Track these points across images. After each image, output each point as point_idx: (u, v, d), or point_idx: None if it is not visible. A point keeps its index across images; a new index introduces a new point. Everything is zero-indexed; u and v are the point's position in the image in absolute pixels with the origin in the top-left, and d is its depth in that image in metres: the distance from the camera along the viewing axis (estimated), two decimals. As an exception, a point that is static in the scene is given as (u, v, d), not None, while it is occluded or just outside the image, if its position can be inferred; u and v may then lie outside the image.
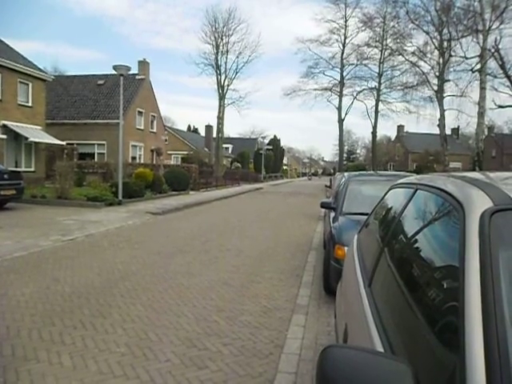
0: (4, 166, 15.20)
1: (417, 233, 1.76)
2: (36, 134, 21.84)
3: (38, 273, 6.38)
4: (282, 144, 68.32)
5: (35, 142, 21.79)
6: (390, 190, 2.97)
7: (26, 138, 20.90)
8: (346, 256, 3.90)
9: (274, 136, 66.60)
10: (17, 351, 3.70)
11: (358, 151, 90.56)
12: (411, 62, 33.35)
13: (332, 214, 6.78)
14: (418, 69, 32.68)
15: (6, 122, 20.29)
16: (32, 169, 21.85)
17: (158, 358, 3.72)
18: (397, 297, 1.60)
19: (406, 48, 34.00)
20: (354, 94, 45.68)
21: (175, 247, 8.73)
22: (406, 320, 1.40)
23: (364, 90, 44.91)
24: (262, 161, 50.85)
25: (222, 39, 40.36)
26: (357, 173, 9.01)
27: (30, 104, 22.28)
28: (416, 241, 1.73)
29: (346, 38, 44.14)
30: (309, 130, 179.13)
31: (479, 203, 1.22)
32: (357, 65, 44.25)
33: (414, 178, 2.40)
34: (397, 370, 0.96)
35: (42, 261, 7.16)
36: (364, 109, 64.62)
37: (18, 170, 17.35)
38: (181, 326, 4.49)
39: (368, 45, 40.95)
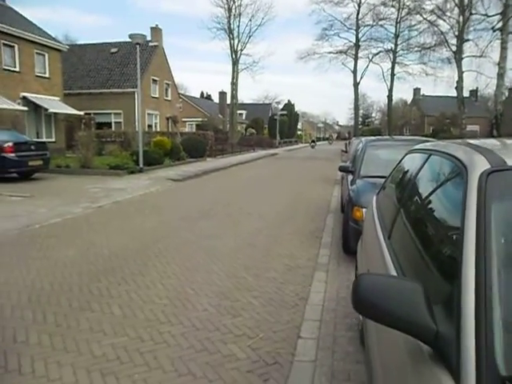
0: (29, 138, 15.70)
1: (429, 191, 2.09)
2: (55, 104, 22.24)
3: (76, 237, 6.88)
4: (296, 109, 67.72)
5: (54, 113, 22.25)
6: (406, 155, 3.26)
7: (46, 109, 21.35)
8: (365, 216, 4.25)
9: (288, 101, 65.95)
10: (73, 303, 4.19)
11: (374, 115, 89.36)
12: (429, 21, 32.54)
13: (350, 178, 7.09)
14: (436, 28, 31.95)
15: (25, 94, 20.69)
16: (53, 139, 22.38)
17: (196, 308, 4.18)
18: (411, 243, 1.95)
19: (424, 6, 33.10)
20: (370, 57, 44.88)
21: (199, 212, 9.17)
22: (418, 259, 1.75)
23: (380, 52, 44.06)
24: (277, 126, 50.70)
25: (234, 2, 39.65)
26: (374, 138, 9.22)
27: (47, 75, 22.59)
28: (428, 197, 2.06)
29: (361, -3, 42.91)
30: (323, 94, 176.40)
31: (479, 166, 1.54)
32: (372, 26, 43.25)
33: (428, 145, 2.69)
34: (412, 287, 1.30)
35: (77, 226, 7.67)
36: (380, 72, 63.23)
37: (42, 140, 17.84)
38: (213, 281, 4.93)
39: (384, 4, 39.90)
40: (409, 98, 62.37)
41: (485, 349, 1.04)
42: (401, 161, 3.36)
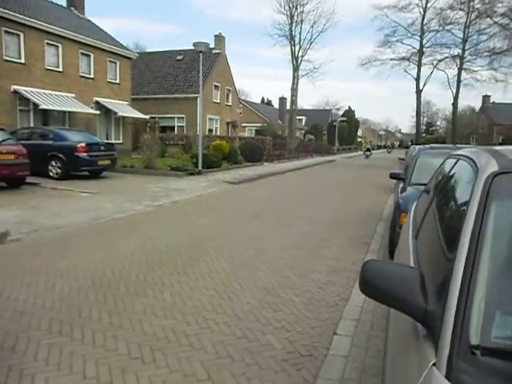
0: (100, 139, 16.91)
1: (449, 193, 2.23)
2: (123, 108, 23.67)
3: (136, 231, 7.44)
4: (356, 115, 66.79)
5: (123, 117, 23.69)
6: (445, 160, 3.36)
7: (115, 113, 22.81)
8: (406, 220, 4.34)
9: (349, 107, 65.26)
10: (130, 289, 4.63)
11: (438, 123, 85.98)
12: (501, 24, 30.98)
13: (401, 185, 7.10)
14: (508, 32, 30.33)
15: (98, 99, 22.23)
16: (120, 141, 23.81)
17: (240, 300, 4.46)
18: (428, 241, 2.10)
19: (495, 9, 31.59)
20: (434, 63, 43.49)
21: (251, 213, 9.50)
22: (431, 252, 1.92)
23: (446, 58, 42.59)
24: (336, 133, 50.34)
25: (296, 9, 39.90)
26: (427, 146, 9.09)
27: (117, 81, 24.10)
28: (446, 199, 2.21)
29: (427, 2, 41.71)
30: (385, 101, 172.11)
31: (489, 168, 1.68)
32: (438, 31, 41.92)
33: (458, 151, 2.81)
34: (410, 273, 1.49)
35: (138, 222, 8.27)
36: (444, 78, 60.90)
37: (111, 142, 19.09)
38: (258, 278, 5.20)
39: (452, 7, 38.57)
40: (477, 105, 59.55)
41: (461, 323, 1.22)
42: (440, 165, 3.46)
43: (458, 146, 12.15)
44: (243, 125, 44.45)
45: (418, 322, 1.43)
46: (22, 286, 4.62)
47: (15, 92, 17.87)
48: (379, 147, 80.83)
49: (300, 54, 40.55)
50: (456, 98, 41.73)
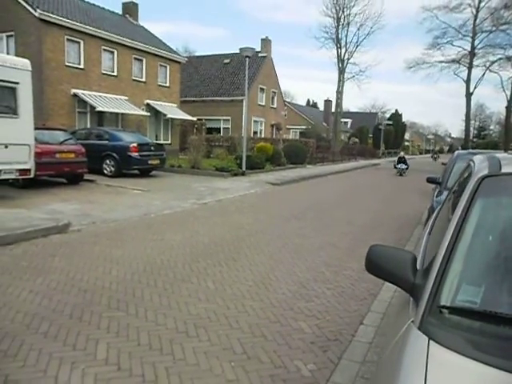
0: (150, 140, 17.85)
1: (456, 191, 2.54)
2: (172, 111, 24.69)
3: (183, 226, 8.02)
4: (403, 119, 65.43)
5: (171, 118, 24.71)
6: (467, 163, 3.63)
7: (165, 115, 23.85)
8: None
9: (396, 110, 64.03)
10: (177, 276, 5.15)
11: (492, 127, 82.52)
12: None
13: (438, 189, 7.25)
14: None
15: (149, 101, 23.35)
16: (169, 142, 24.86)
17: (276, 291, 4.87)
18: (435, 234, 2.43)
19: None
20: (487, 65, 41.93)
21: (291, 214, 9.88)
22: (433, 242, 2.25)
23: (499, 59, 40.96)
24: (381, 136, 49.64)
25: (343, 11, 39.83)
26: (465, 151, 9.13)
27: (167, 84, 25.16)
28: (453, 197, 2.52)
29: (480, 2, 40.37)
30: (434, 104, 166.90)
31: (481, 171, 2.01)
32: (492, 31, 40.40)
33: (475, 156, 3.09)
34: (404, 255, 1.85)
35: (184, 218, 8.86)
36: (498, 80, 58.52)
37: (160, 142, 20.04)
38: (294, 272, 5.59)
39: (507, 7, 37.07)
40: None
41: (435, 291, 1.58)
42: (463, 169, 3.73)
43: (510, 151, 12.00)
44: (288, 127, 44.82)
45: (407, 293, 1.80)
46: (84, 269, 5.25)
47: (74, 95, 19.17)
48: (427, 151, 78.47)
49: (346, 56, 40.47)
50: (510, 101, 40.15)
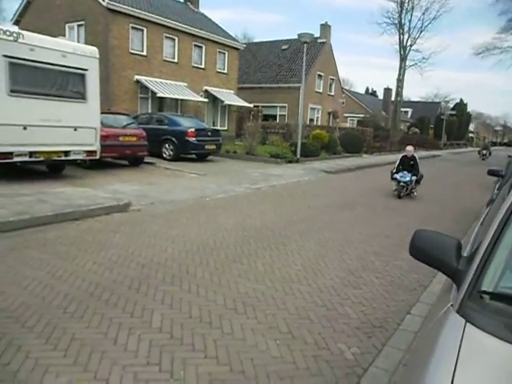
0: (207, 125, 18.28)
1: (509, 182, 2.49)
2: (229, 97, 25.02)
3: (236, 210, 8.24)
4: (468, 109, 62.06)
5: (229, 105, 25.05)
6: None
7: (222, 101, 24.23)
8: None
9: (460, 100, 60.91)
10: (228, 256, 5.36)
11: None
12: None
13: (500, 182, 6.94)
14: None
15: (207, 88, 23.81)
16: (225, 128, 25.26)
17: (324, 276, 4.94)
18: (485, 225, 2.40)
19: None
20: None
21: (344, 202, 9.82)
22: (481, 232, 2.24)
23: None
24: (443, 127, 47.46)
25: (407, -5, 38.18)
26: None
27: (225, 71, 25.49)
28: (506, 187, 2.47)
29: None
30: (504, 93, 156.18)
31: None
32: None
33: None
34: (449, 240, 1.87)
35: (237, 202, 9.08)
36: None
37: (217, 128, 20.44)
38: (343, 260, 5.62)
39: None
40: None
41: (477, 276, 1.60)
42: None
43: None
44: (345, 115, 43.99)
45: (449, 278, 1.82)
46: (142, 246, 5.58)
47: (137, 81, 19.95)
48: (494, 144, 73.84)
49: (409, 43, 38.87)
50: None
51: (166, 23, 20.86)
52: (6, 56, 8.23)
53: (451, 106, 63.72)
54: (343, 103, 40.53)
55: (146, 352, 3.07)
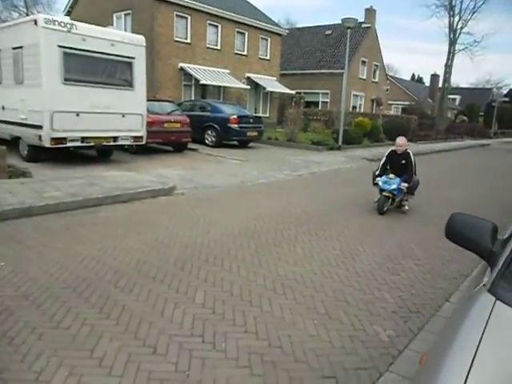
0: (249, 112, 18.43)
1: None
2: (271, 84, 25.01)
3: (276, 196, 8.37)
4: (524, 95, 58.71)
5: (271, 91, 25.05)
6: None
7: (264, 88, 24.27)
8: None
9: (515, 85, 57.67)
10: (268, 240, 5.51)
11: None
12: None
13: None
14: None
15: (249, 75, 23.90)
16: (267, 115, 25.32)
17: (362, 261, 5.00)
18: None
19: None
20: None
21: (385, 190, 9.72)
22: None
23: None
24: (494, 114, 45.30)
25: (459, -27, 36.47)
26: None
27: (267, 57, 25.44)
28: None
29: None
30: None
31: None
32: None
33: None
34: (484, 223, 1.93)
35: (278, 188, 9.21)
36: None
37: (259, 115, 20.56)
38: (383, 247, 5.63)
39: None
40: None
41: (510, 259, 1.66)
42: None
43: None
44: (389, 102, 42.91)
45: (484, 261, 1.88)
46: (186, 228, 5.83)
47: (181, 69, 20.32)
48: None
49: (459, 25, 37.11)
50: None
51: (209, 10, 21.04)
52: (60, 46, 8.68)
53: (504, 92, 60.60)
54: (387, 90, 39.51)
55: (189, 324, 3.28)
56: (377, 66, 35.47)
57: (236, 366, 2.84)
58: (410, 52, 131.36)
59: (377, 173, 7.67)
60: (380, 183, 7.43)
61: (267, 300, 3.80)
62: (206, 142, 15.62)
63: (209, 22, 21.42)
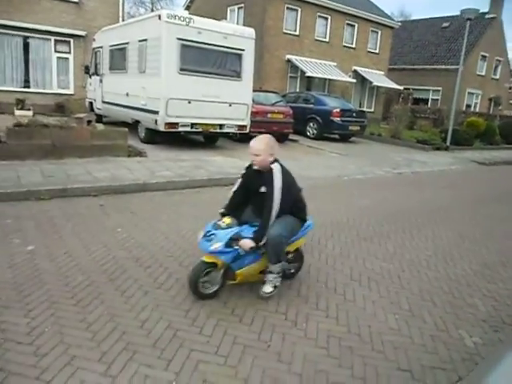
0: (353, 106, 18.19)
1: None
2: (379, 78, 24.28)
3: (373, 192, 8.29)
4: None
5: (377, 86, 24.35)
6: None
7: (371, 82, 23.67)
8: None
9: None
10: (360, 234, 5.56)
11: None
12: None
13: None
14: None
15: (356, 68, 23.47)
16: (371, 110, 24.72)
17: (455, 266, 4.83)
18: None
19: None
20: None
21: (492, 196, 9.08)
22: None
23: None
24: None
25: None
26: None
27: (376, 51, 24.71)
28: None
29: None
30: None
31: None
32: None
33: None
34: None
35: (375, 184, 9.09)
36: None
37: (363, 110, 20.17)
38: (480, 253, 5.36)
39: None
40: None
41: None
42: None
43: None
44: (511, 102, 39.10)
45: None
46: (280, 215, 6.09)
47: (288, 61, 20.65)
48: None
49: None
50: None
51: (319, 2, 21.01)
52: (179, 39, 9.43)
53: None
54: (510, 88, 36.01)
55: (275, 303, 3.53)
56: (499, 61, 32.50)
57: (315, 345, 3.02)
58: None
59: (221, 210, 3.81)
60: (200, 235, 3.55)
61: (351, 290, 3.91)
62: (308, 133, 15.78)
63: (319, 14, 21.40)
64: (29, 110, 13.85)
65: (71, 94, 16.37)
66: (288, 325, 3.23)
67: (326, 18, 21.86)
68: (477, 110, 30.26)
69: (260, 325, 3.18)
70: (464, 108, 28.38)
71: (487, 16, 30.27)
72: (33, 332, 2.82)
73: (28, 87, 16.03)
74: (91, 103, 14.30)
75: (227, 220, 3.53)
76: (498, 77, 32.88)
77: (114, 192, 6.43)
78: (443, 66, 29.45)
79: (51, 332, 2.84)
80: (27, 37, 15.66)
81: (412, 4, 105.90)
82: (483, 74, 31.16)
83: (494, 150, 18.83)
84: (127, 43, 11.10)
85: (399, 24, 26.84)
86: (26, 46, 15.86)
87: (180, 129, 9.99)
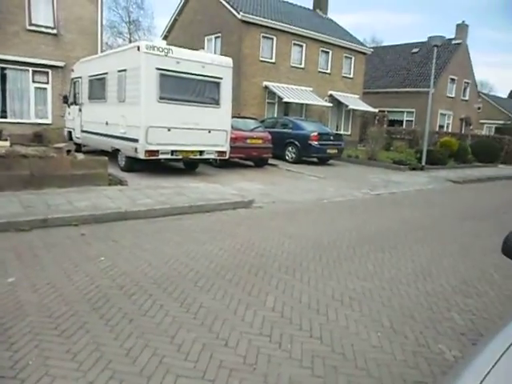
0: (330, 130, 18.60)
1: None
2: (354, 102, 24.95)
3: (352, 214, 8.46)
4: None
5: (353, 109, 25.00)
6: None
7: (346, 106, 24.30)
8: None
9: None
10: (340, 255, 5.67)
11: None
12: None
13: None
14: None
15: (332, 92, 24.10)
16: (348, 132, 25.28)
17: (434, 282, 4.97)
18: None
19: None
20: None
21: (468, 214, 9.36)
22: None
23: None
24: None
25: None
26: None
27: (351, 76, 25.48)
28: None
29: None
30: None
31: None
32: None
33: None
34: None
35: (354, 206, 9.28)
36: None
37: (340, 133, 20.63)
38: (458, 269, 5.52)
39: None
40: None
41: None
42: None
43: None
44: (481, 121, 40.55)
45: None
46: (262, 239, 6.17)
47: (265, 87, 21.09)
48: None
49: None
50: None
51: (294, 31, 21.68)
52: (158, 69, 9.62)
53: None
54: (479, 108, 37.35)
55: (259, 325, 3.58)
56: (467, 83, 33.83)
57: (299, 365, 3.07)
58: (509, 67, 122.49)
59: None
60: None
61: (334, 310, 3.98)
62: (286, 157, 16.03)
63: (294, 41, 22.04)
64: (6, 140, 13.74)
65: (49, 124, 16.35)
66: (273, 347, 3.27)
67: (301, 46, 22.52)
68: (449, 130, 31.24)
69: (245, 347, 3.22)
70: (437, 128, 29.28)
71: (454, 42, 31.64)
72: (16, 365, 2.80)
73: (5, 117, 15.95)
74: (70, 132, 14.32)
75: None
76: (467, 98, 34.15)
77: (95, 221, 6.42)
78: (415, 89, 30.48)
79: (35, 364, 2.82)
80: (4, 68, 15.69)
81: (383, 31, 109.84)
82: (453, 95, 32.33)
83: (467, 169, 19.42)
84: (106, 73, 11.24)
85: (371, 50, 27.80)
86: (4, 77, 15.88)
87: (160, 156, 10.07)
